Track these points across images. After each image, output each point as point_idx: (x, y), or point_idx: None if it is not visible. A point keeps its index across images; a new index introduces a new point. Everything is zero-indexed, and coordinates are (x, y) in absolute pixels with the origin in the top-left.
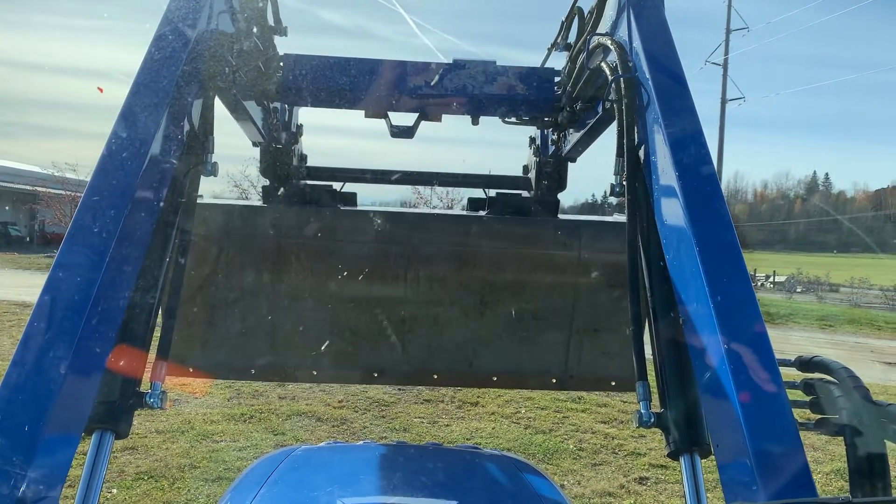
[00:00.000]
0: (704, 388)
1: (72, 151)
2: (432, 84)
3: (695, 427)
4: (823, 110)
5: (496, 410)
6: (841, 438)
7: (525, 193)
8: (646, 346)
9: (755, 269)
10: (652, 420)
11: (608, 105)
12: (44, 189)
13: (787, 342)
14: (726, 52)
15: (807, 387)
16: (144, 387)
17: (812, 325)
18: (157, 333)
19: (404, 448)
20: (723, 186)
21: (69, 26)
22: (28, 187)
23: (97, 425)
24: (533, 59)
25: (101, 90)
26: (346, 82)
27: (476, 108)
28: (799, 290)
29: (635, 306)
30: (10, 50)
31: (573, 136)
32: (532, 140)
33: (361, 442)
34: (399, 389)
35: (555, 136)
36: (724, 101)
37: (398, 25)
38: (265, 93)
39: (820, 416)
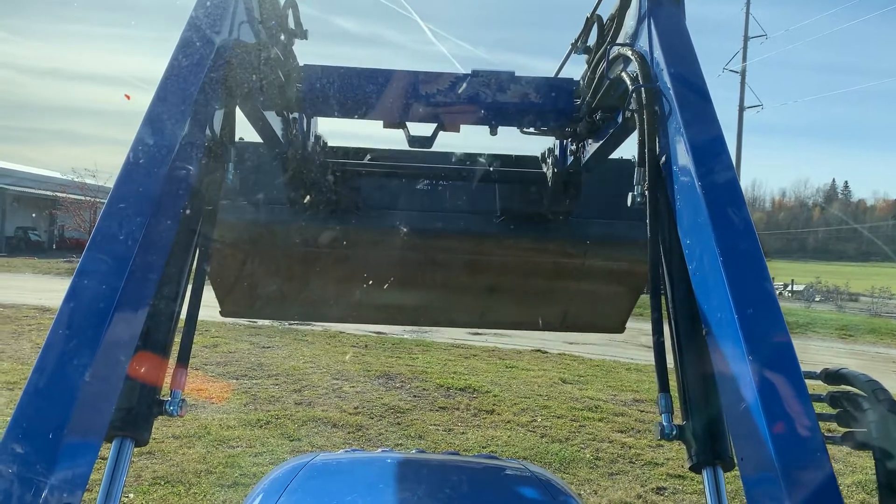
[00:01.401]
0: (729, 400)
1: (91, 157)
2: (451, 94)
3: (718, 440)
4: (843, 118)
5: (512, 419)
6: (865, 451)
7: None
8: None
9: (773, 278)
10: (674, 432)
11: (628, 115)
12: (63, 195)
13: (806, 352)
14: (744, 60)
15: (833, 400)
16: (164, 394)
17: (831, 334)
18: (177, 339)
19: (422, 457)
20: None
21: (88, 34)
22: (48, 193)
23: (117, 432)
24: (547, 67)
25: (128, 97)
26: (365, 93)
27: (494, 118)
28: (818, 299)
29: (657, 317)
30: (29, 57)
31: (592, 147)
32: (550, 151)
33: (379, 449)
34: (414, 396)
35: (573, 147)
36: (741, 109)
37: (414, 33)
38: (285, 103)
39: (846, 430)
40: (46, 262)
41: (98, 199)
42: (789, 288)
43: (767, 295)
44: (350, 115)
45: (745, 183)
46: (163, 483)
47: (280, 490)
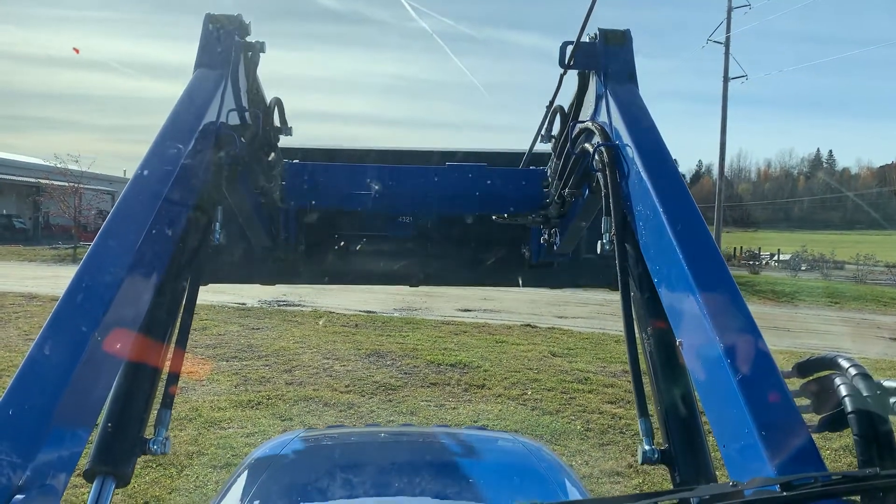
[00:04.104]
0: (707, 398)
1: (73, 143)
2: (427, 187)
3: (700, 460)
4: (827, 87)
5: (503, 393)
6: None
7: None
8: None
9: (759, 248)
10: (657, 456)
11: (594, 184)
12: (47, 181)
13: (793, 320)
14: (728, 30)
15: (807, 390)
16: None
17: (818, 302)
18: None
19: (410, 431)
20: (726, 166)
21: (67, 18)
22: (31, 179)
23: (99, 470)
24: (532, 41)
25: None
26: (345, 188)
27: (468, 207)
28: (804, 267)
29: (633, 349)
30: (7, 43)
31: (562, 229)
32: (525, 243)
33: (366, 425)
34: (405, 373)
35: (546, 236)
36: (726, 80)
37: (395, 9)
38: (267, 197)
39: (823, 415)
40: (32, 249)
41: (81, 185)
42: (775, 258)
43: (736, 300)
44: (330, 207)
45: (730, 154)
46: (154, 466)
47: (266, 466)
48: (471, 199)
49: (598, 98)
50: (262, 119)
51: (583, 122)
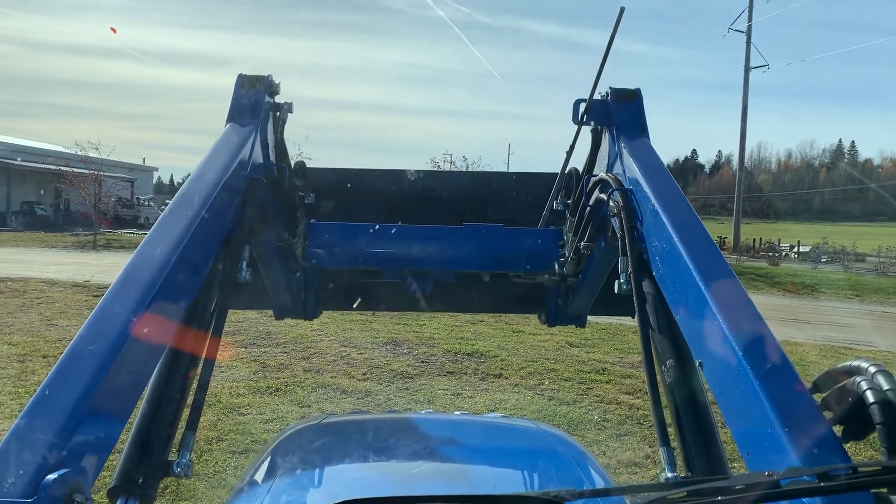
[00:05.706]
0: (732, 411)
1: (92, 130)
2: (445, 246)
3: None
4: (850, 77)
5: (520, 382)
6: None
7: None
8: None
9: (779, 240)
10: None
11: (609, 235)
12: (67, 168)
13: (814, 312)
14: (750, 19)
15: (826, 404)
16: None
17: (838, 294)
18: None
19: (431, 417)
20: (746, 156)
21: (84, 5)
22: (52, 167)
23: (123, 489)
24: (544, 29)
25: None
26: (367, 247)
27: (485, 265)
28: (824, 259)
29: (652, 381)
30: (30, 31)
31: (577, 289)
32: (542, 307)
33: (387, 411)
34: (422, 362)
35: (560, 302)
36: (747, 69)
37: None
38: (290, 256)
39: (847, 424)
40: (53, 235)
41: (101, 173)
42: (795, 249)
43: (748, 307)
44: (352, 266)
45: (750, 144)
46: (173, 451)
47: (288, 451)
48: (489, 258)
49: (612, 151)
50: (289, 174)
51: (596, 175)
